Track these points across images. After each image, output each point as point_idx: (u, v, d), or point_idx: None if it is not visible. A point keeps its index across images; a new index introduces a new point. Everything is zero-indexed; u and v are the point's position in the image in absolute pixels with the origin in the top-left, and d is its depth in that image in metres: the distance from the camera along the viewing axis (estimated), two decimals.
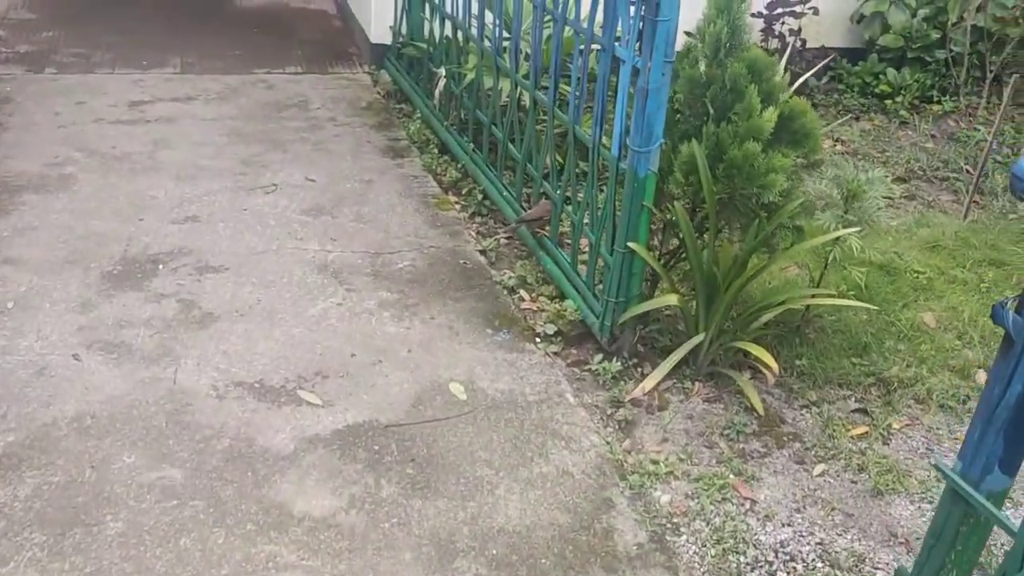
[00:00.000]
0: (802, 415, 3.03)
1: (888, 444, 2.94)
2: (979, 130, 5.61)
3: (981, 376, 3.30)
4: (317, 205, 4.12)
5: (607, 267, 3.11)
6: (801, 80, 4.32)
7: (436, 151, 4.69)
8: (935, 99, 6.03)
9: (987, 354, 3.39)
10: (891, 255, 4.02)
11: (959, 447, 1.78)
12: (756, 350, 2.90)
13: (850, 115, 5.87)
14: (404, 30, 5.25)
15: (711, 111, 2.96)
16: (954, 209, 4.75)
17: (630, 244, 2.97)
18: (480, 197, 4.20)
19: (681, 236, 3.08)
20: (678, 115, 3.01)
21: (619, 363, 3.11)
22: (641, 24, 2.72)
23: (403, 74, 5.35)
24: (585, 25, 3.10)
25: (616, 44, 2.92)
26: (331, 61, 6.03)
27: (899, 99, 5.98)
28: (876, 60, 6.17)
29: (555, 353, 3.22)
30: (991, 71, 5.84)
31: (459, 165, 4.45)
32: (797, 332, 3.33)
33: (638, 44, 2.77)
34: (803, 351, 3.28)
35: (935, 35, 5.97)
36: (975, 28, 5.82)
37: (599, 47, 2.99)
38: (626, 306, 3.08)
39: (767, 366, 2.85)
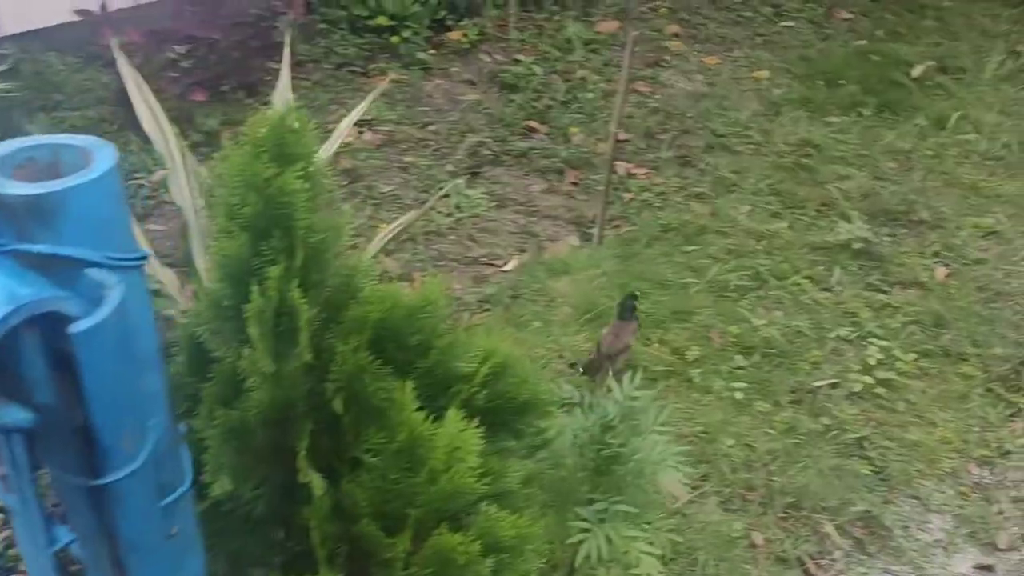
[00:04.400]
0: None
1: None
2: (520, 61, 4.30)
3: None
4: None
5: None
6: None
7: None
8: (449, 24, 4.53)
9: None
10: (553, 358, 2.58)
11: None
12: None
13: (356, 73, 4.13)
14: None
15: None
16: (554, 206, 3.44)
17: None
18: None
19: None
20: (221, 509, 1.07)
21: None
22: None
23: None
24: None
25: None
26: None
27: (408, 35, 4.37)
28: None
29: None
30: None
31: None
32: None
33: None
34: None
35: None
36: None
37: None
38: None
39: None
